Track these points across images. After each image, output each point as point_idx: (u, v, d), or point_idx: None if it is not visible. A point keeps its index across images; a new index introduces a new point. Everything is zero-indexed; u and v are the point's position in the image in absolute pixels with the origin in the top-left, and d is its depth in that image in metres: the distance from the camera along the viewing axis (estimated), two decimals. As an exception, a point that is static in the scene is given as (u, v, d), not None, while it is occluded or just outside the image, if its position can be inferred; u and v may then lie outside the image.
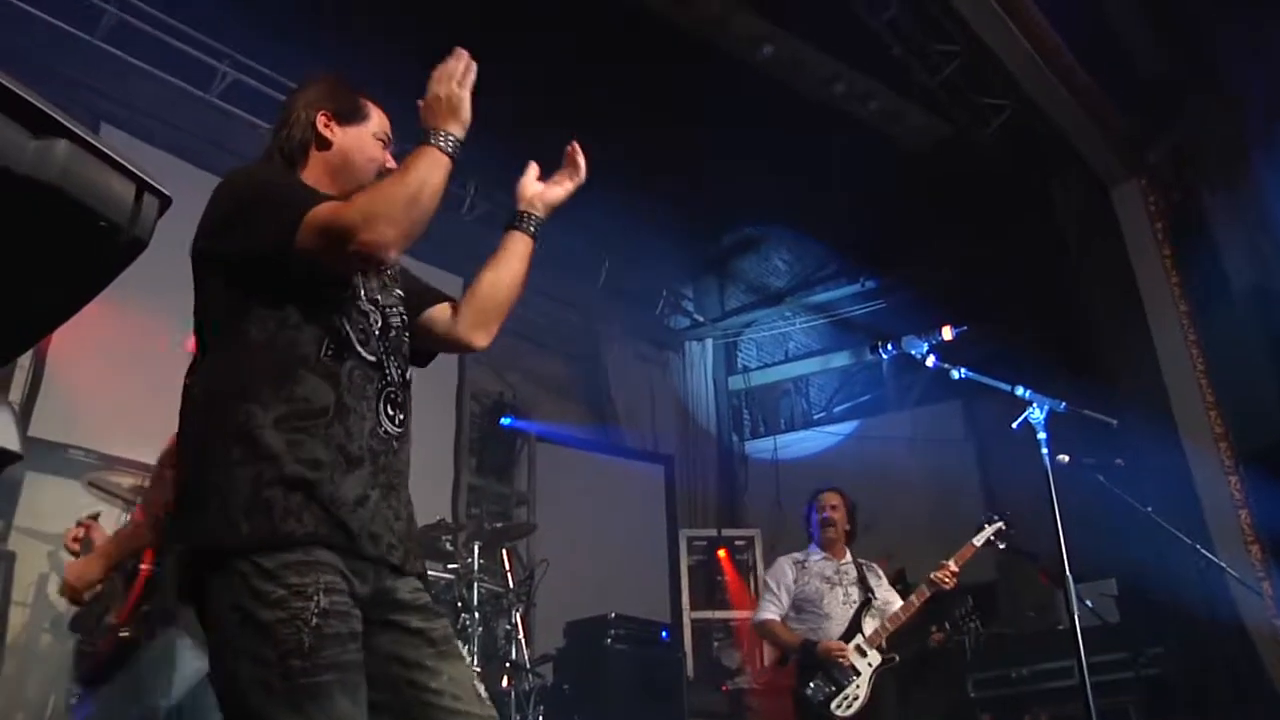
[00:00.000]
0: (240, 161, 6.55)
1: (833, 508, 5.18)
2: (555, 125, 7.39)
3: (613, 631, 6.34)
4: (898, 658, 4.78)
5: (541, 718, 5.49)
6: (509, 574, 5.80)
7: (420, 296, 2.30)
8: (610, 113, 7.33)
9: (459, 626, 5.17)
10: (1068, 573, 3.33)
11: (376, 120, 2.25)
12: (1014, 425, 3.51)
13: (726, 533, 8.87)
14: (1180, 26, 6.61)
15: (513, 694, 5.30)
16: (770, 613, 4.94)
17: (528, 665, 5.60)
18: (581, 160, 2.43)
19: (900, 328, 3.72)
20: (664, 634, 6.72)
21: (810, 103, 7.14)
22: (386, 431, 2.01)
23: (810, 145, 7.48)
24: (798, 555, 5.14)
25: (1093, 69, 6.44)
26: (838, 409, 9.93)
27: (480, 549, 5.46)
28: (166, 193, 1.31)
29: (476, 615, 5.15)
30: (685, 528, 8.85)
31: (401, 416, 2.07)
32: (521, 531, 6.64)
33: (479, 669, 4.98)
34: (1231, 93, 6.46)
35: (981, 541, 4.89)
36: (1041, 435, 3.46)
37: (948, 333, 3.54)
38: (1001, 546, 5.00)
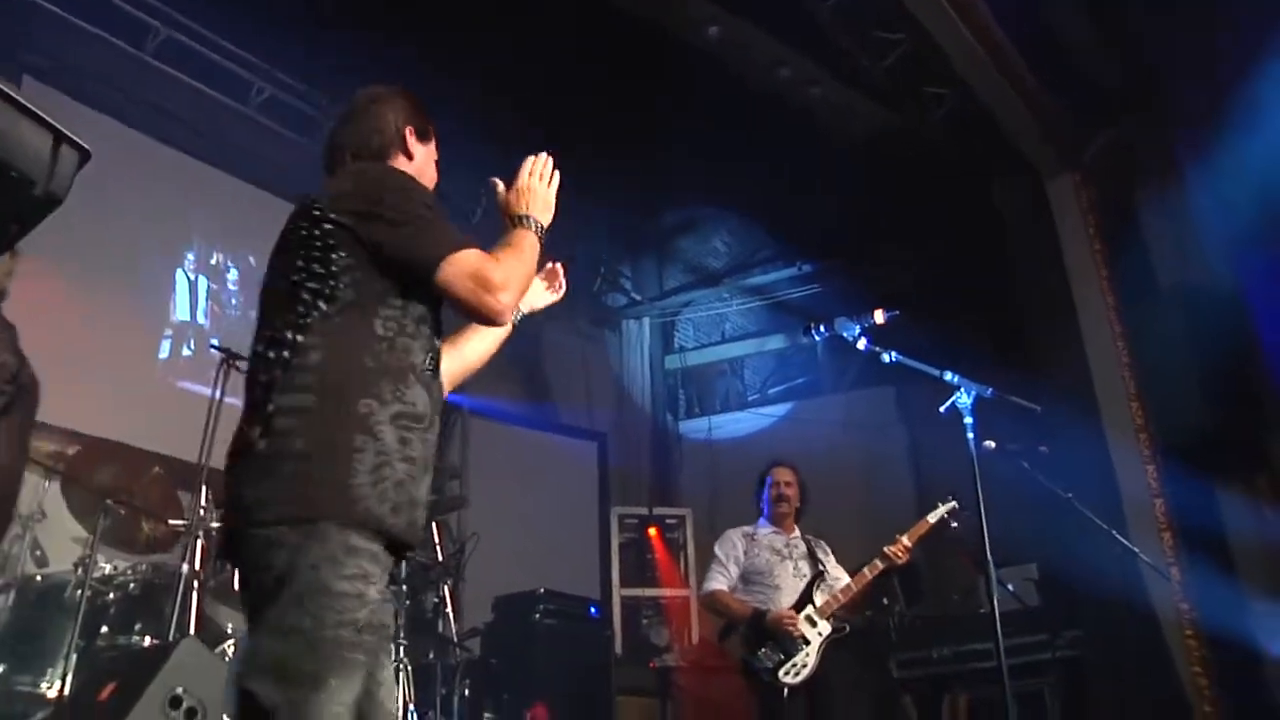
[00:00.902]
0: (166, 121, 6.56)
1: (786, 484, 5.20)
2: (500, 100, 7.42)
3: (541, 607, 6.37)
4: (849, 628, 4.82)
5: (468, 691, 5.49)
6: (438, 547, 5.76)
7: None
8: (556, 88, 7.29)
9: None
10: (989, 557, 3.38)
11: (435, 143, 2.57)
12: (941, 409, 3.53)
13: (658, 511, 8.90)
14: (1124, 34, 6.69)
15: (439, 667, 5.28)
16: (719, 583, 4.94)
17: (455, 639, 5.58)
18: (562, 281, 2.77)
19: (836, 312, 3.76)
20: (593, 610, 6.75)
21: (756, 87, 7.13)
22: (435, 446, 2.20)
23: (754, 130, 7.48)
24: (747, 528, 5.13)
25: (1036, 66, 6.49)
26: (772, 391, 9.99)
27: (410, 521, 5.37)
28: (85, 147, 1.27)
29: (405, 588, 5.11)
30: (617, 505, 8.88)
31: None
32: (452, 505, 6.60)
33: (405, 641, 4.96)
34: (1168, 100, 6.56)
35: (935, 519, 4.95)
36: (968, 420, 3.51)
37: (880, 316, 3.57)
38: (954, 525, 5.05)
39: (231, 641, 4.27)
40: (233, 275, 7.10)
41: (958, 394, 3.51)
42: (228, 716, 2.19)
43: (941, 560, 7.29)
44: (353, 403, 2.03)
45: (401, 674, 4.84)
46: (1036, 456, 4.47)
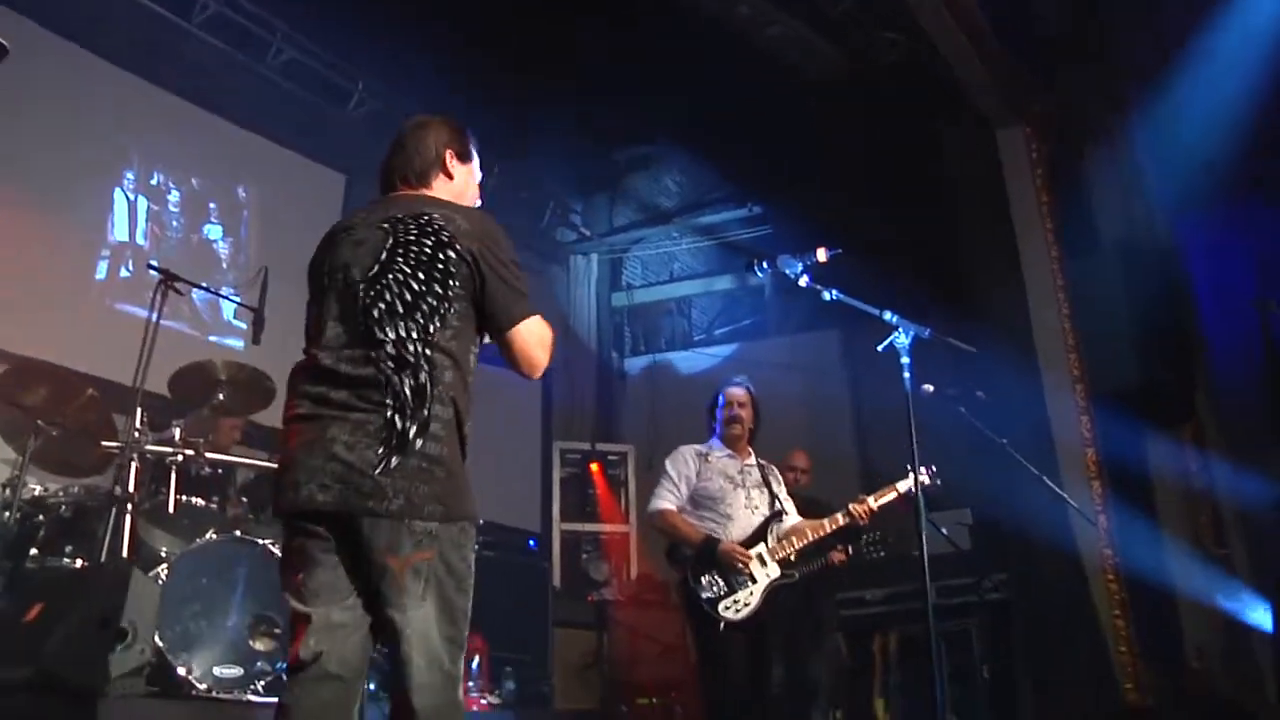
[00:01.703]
0: (103, 34, 6.31)
1: (740, 404, 4.97)
2: (451, 29, 7.25)
3: (480, 539, 6.27)
4: (798, 576, 4.72)
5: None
6: (378, 477, 5.69)
7: None
8: (513, 21, 7.17)
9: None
10: (920, 500, 3.42)
11: (477, 162, 2.84)
12: (879, 348, 3.55)
13: (600, 447, 8.92)
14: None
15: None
16: (668, 502, 4.72)
17: (392, 568, 5.53)
18: None
19: (784, 254, 3.72)
20: (531, 543, 6.78)
21: (714, 26, 7.05)
22: None
23: (710, 69, 7.41)
24: (700, 447, 4.89)
25: (991, 19, 6.46)
26: (718, 331, 10.01)
27: (347, 450, 5.30)
28: (3, 43, 1.21)
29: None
30: (559, 440, 8.87)
31: None
32: (393, 435, 6.53)
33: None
34: (1118, 56, 6.58)
35: (905, 488, 4.80)
36: (905, 360, 3.51)
37: (822, 254, 3.54)
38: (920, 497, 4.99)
39: (164, 565, 4.21)
40: (174, 197, 6.92)
41: (896, 334, 3.50)
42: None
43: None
44: (464, 423, 2.46)
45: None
46: (974, 402, 4.52)
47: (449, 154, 2.75)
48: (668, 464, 4.86)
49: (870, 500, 4.78)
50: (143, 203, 6.70)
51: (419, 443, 2.33)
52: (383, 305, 2.44)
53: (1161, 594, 5.90)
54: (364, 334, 2.42)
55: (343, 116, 7.46)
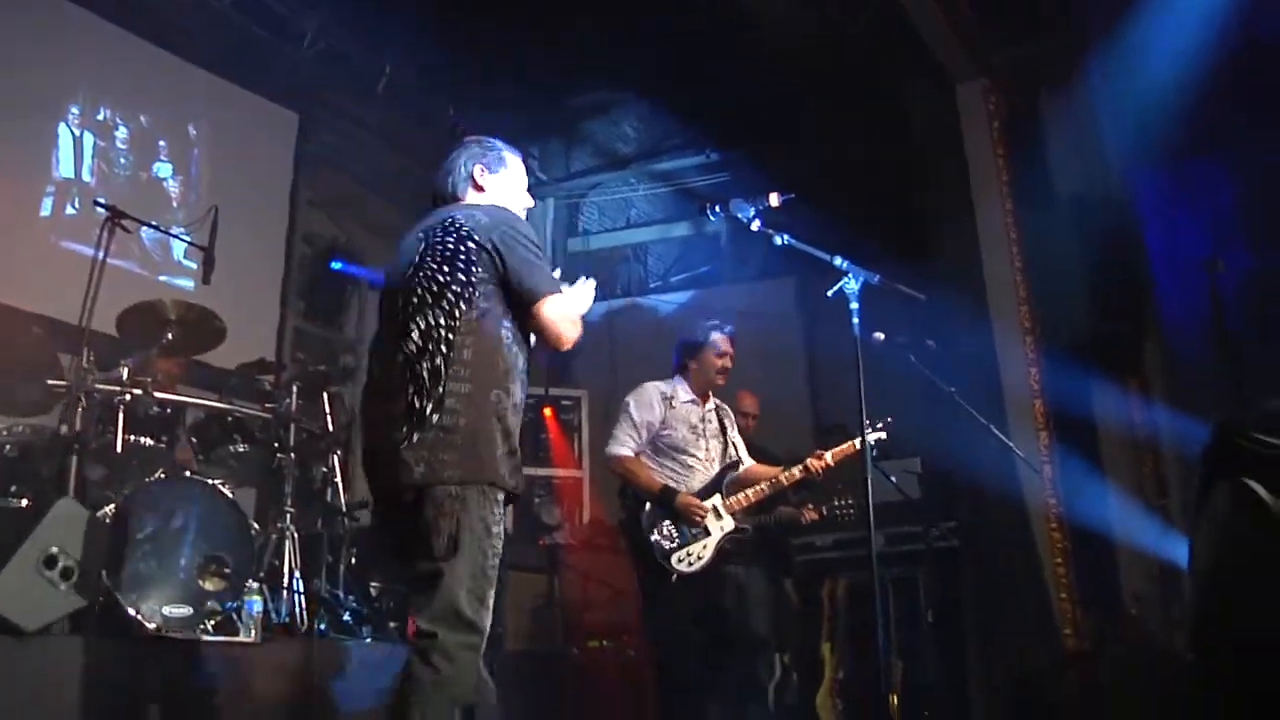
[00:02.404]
0: None
1: (730, 354, 4.90)
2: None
3: None
4: (750, 529, 4.76)
5: (354, 560, 5.48)
6: (330, 417, 5.69)
7: None
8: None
9: (274, 467, 5.08)
10: (868, 448, 3.45)
11: (514, 168, 3.23)
12: (829, 293, 3.56)
13: (554, 392, 8.87)
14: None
15: (326, 537, 5.26)
16: (627, 448, 4.66)
17: (344, 509, 5.55)
18: None
19: (738, 198, 3.70)
20: (485, 487, 6.72)
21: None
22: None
23: (669, 15, 7.32)
24: (664, 387, 4.81)
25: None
26: (675, 278, 9.99)
27: (301, 391, 5.30)
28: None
29: (293, 456, 5.05)
30: None
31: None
32: (344, 376, 6.52)
33: (292, 510, 4.94)
34: (1081, 12, 6.56)
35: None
36: (854, 306, 3.53)
37: (775, 199, 3.54)
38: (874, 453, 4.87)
39: (112, 505, 4.17)
40: (122, 134, 6.78)
41: (846, 279, 3.52)
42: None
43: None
44: (493, 391, 2.76)
45: (288, 542, 4.83)
46: (924, 351, 4.58)
47: (478, 169, 3.13)
48: (631, 406, 4.75)
49: (827, 455, 4.80)
50: (89, 139, 6.55)
51: (435, 417, 2.69)
52: (415, 299, 2.81)
53: (1102, 543, 6.01)
54: (398, 330, 2.79)
55: (296, 55, 7.30)
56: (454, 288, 2.78)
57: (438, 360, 2.72)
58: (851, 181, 7.97)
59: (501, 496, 2.75)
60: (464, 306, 2.77)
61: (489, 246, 2.83)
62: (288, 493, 4.97)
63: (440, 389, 2.70)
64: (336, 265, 7.74)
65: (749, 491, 4.72)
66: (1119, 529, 5.98)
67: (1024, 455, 5.33)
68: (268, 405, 5.18)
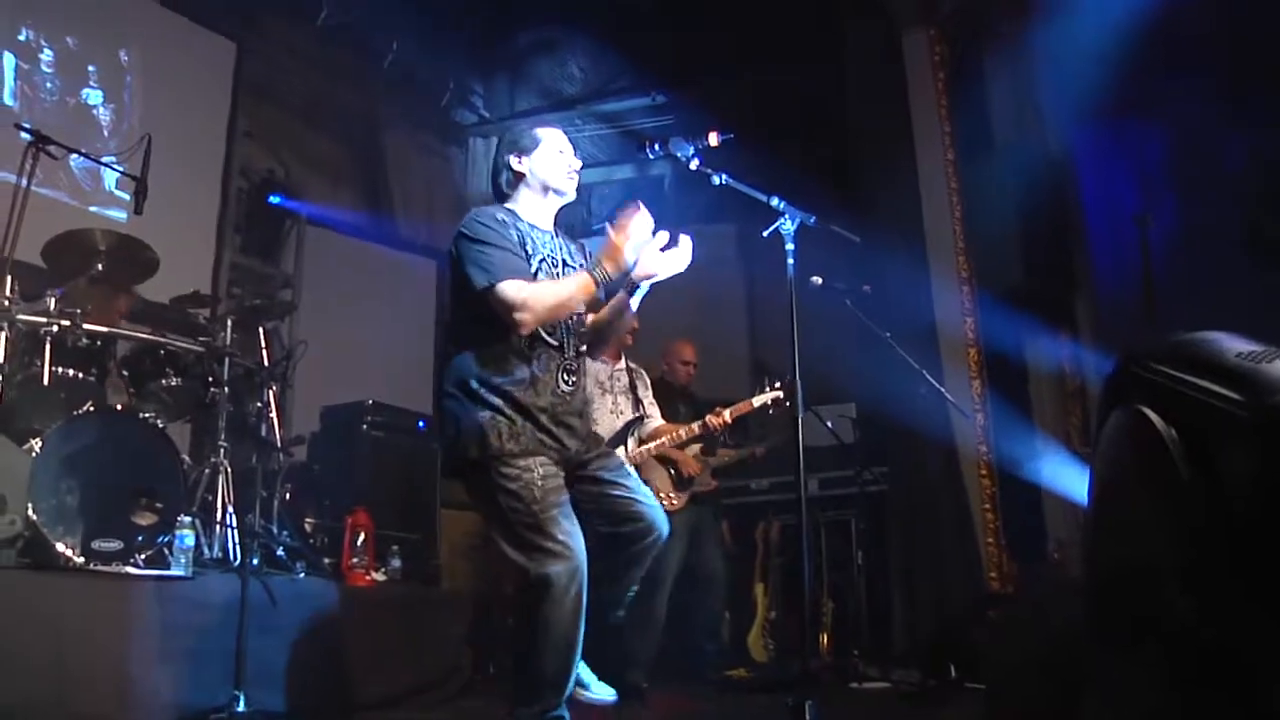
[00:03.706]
0: None
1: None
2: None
3: (369, 418, 6.33)
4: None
5: (289, 495, 5.45)
6: (265, 352, 5.62)
7: None
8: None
9: (208, 400, 5.01)
10: (799, 392, 3.47)
11: (548, 141, 3.35)
12: (764, 234, 3.57)
13: None
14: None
15: (260, 472, 5.21)
16: None
17: (278, 444, 5.51)
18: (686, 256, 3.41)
19: (677, 137, 3.66)
20: (420, 424, 6.75)
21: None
22: (561, 390, 3.19)
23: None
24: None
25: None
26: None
27: (236, 325, 5.22)
28: None
29: (226, 390, 4.97)
30: None
31: (574, 379, 3.26)
32: (281, 310, 6.42)
33: (226, 444, 4.89)
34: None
35: (759, 404, 5.03)
36: (789, 247, 3.53)
37: (714, 139, 3.53)
38: (771, 413, 5.16)
39: (38, 440, 4.08)
40: (47, 56, 6.48)
41: (782, 220, 3.52)
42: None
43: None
44: (486, 381, 3.10)
45: (221, 476, 4.80)
46: (860, 296, 4.67)
47: (511, 158, 3.32)
48: None
49: (726, 413, 5.02)
50: (10, 60, 6.28)
51: (441, 408, 3.18)
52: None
53: (1029, 490, 6.14)
54: None
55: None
56: (451, 297, 3.30)
57: (445, 361, 3.32)
58: (793, 125, 7.97)
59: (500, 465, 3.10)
60: (458, 312, 3.32)
61: (452, 253, 3.18)
62: (221, 427, 4.92)
63: (443, 385, 3.22)
64: (274, 199, 7.57)
65: (650, 445, 5.05)
66: (1046, 476, 6.10)
67: (957, 402, 5.42)
68: (201, 339, 5.09)
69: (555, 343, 3.20)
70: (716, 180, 3.53)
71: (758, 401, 5.03)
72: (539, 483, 3.00)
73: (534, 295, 3.05)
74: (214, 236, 7.06)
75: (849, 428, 6.79)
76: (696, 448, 5.41)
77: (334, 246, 8.05)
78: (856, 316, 4.80)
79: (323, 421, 6.60)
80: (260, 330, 5.64)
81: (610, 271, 3.13)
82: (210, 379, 5.01)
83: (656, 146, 3.55)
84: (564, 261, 3.30)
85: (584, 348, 3.34)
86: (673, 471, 5.28)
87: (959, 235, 6.66)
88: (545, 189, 3.32)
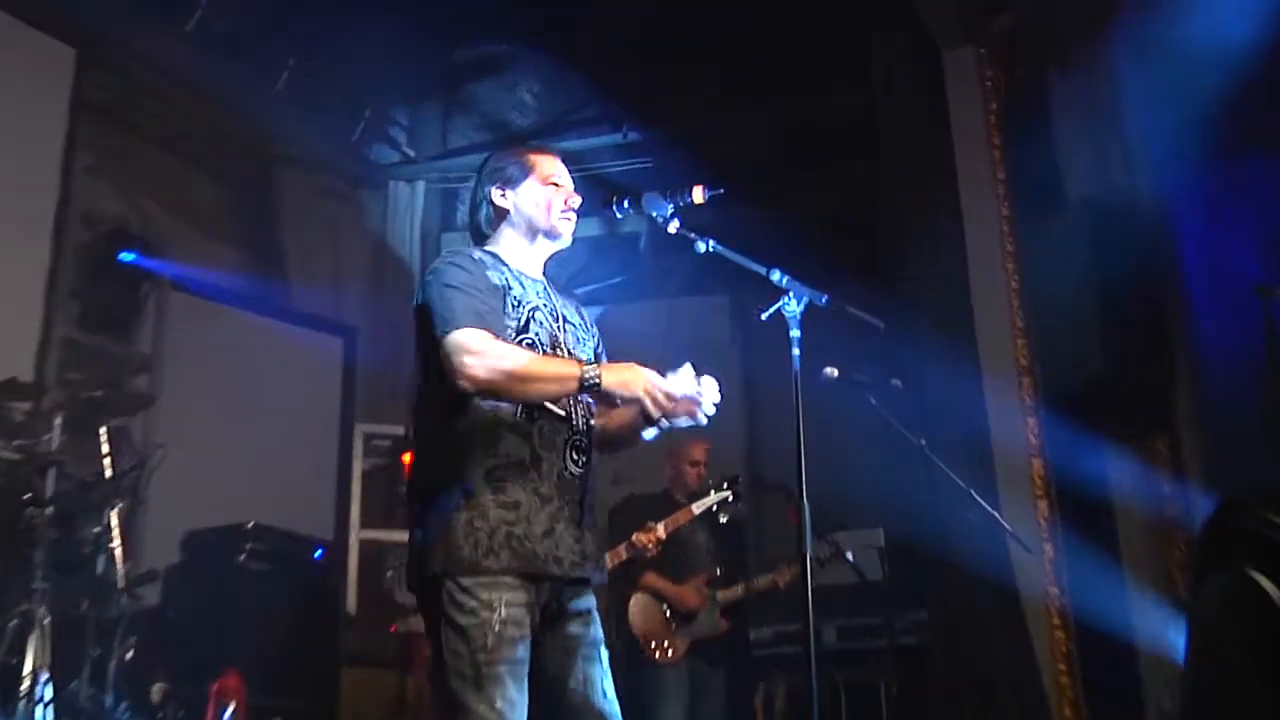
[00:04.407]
0: None
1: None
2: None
3: (249, 546, 6.26)
4: None
5: (132, 653, 5.30)
6: (108, 460, 5.53)
7: None
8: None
9: (22, 526, 4.89)
10: (806, 517, 3.38)
11: (541, 169, 3.36)
12: (763, 315, 3.51)
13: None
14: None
15: (93, 620, 5.08)
16: None
17: (122, 582, 5.41)
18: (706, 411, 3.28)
19: (652, 191, 3.59)
20: (319, 553, 6.68)
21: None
22: (569, 473, 3.17)
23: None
24: None
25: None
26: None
27: (69, 424, 5.15)
28: None
29: (50, 511, 4.85)
30: (364, 422, 8.79)
31: (585, 459, 3.24)
32: (134, 405, 6.35)
33: (42, 586, 4.77)
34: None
35: (701, 509, 5.22)
36: (795, 333, 3.46)
37: (699, 194, 3.45)
38: (723, 520, 5.38)
39: None
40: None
41: (785, 299, 3.43)
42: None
43: (768, 519, 7.45)
44: (453, 476, 3.08)
45: (35, 631, 4.67)
46: (889, 392, 4.60)
47: (493, 190, 3.34)
48: None
49: (659, 528, 5.18)
50: None
51: (410, 509, 3.22)
52: None
53: (1119, 645, 5.98)
54: None
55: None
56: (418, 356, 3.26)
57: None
58: (803, 173, 8.07)
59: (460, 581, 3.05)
60: (422, 376, 3.28)
61: (418, 303, 3.20)
62: (39, 562, 4.81)
63: (411, 481, 3.42)
64: (127, 256, 7.49)
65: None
66: (1141, 628, 5.97)
67: (1016, 531, 5.34)
68: (18, 443, 5.00)
69: (562, 411, 3.19)
70: (702, 247, 3.44)
71: (699, 507, 5.18)
72: (496, 627, 2.95)
73: (497, 351, 3.03)
74: (40, 304, 6.92)
75: (875, 561, 6.71)
76: (700, 578, 5.48)
77: (207, 319, 8.01)
78: (884, 418, 4.73)
79: (185, 551, 6.48)
80: (103, 430, 5.55)
81: (609, 387, 3.08)
82: (28, 496, 4.90)
83: (625, 203, 3.47)
84: (564, 317, 3.37)
85: (594, 422, 3.32)
86: (668, 610, 5.33)
87: (1017, 313, 6.65)
88: (533, 231, 3.36)
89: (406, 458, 8.47)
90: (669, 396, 3.11)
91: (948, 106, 7.03)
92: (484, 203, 3.35)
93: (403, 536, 8.17)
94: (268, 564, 6.33)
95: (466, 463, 3.05)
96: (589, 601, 3.22)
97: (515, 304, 3.20)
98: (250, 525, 6.34)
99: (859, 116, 7.48)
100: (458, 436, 3.09)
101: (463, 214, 9.83)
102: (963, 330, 6.57)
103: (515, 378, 3.02)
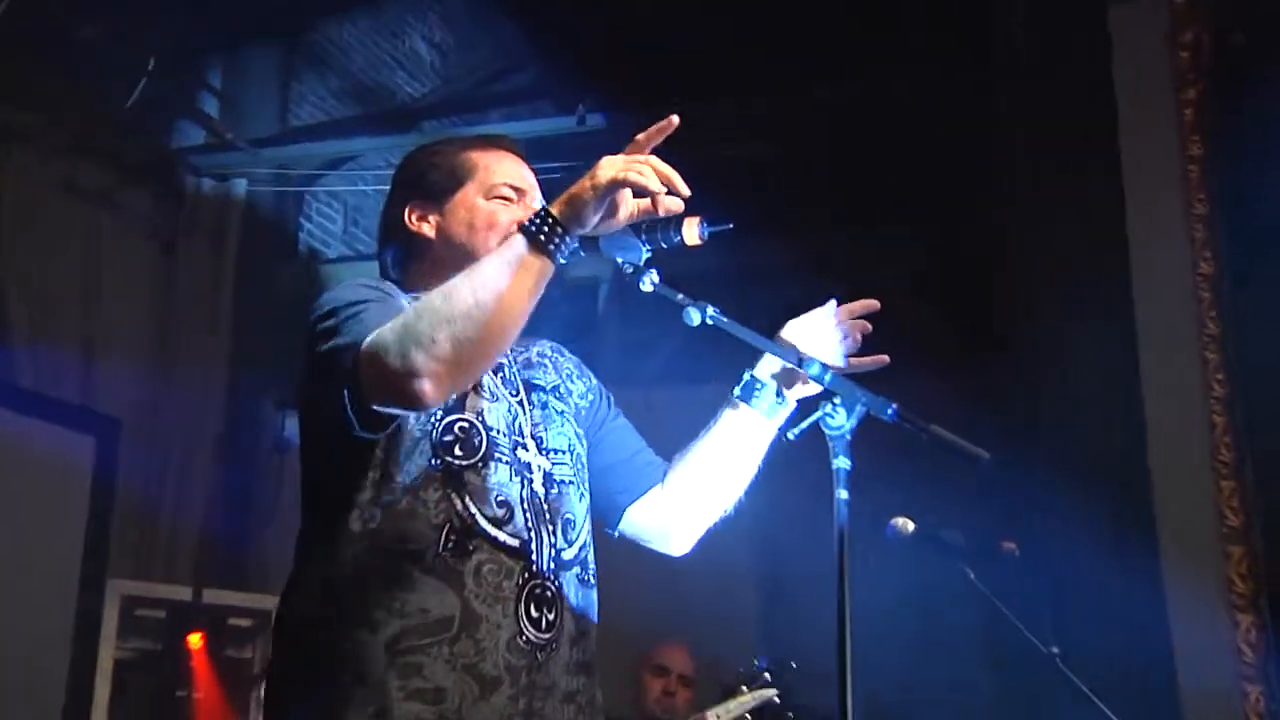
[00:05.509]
0: None
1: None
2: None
3: None
4: None
5: None
6: None
7: (615, 453, 3.59)
8: None
9: None
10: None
11: (484, 171, 3.35)
12: (790, 435, 3.28)
13: (215, 597, 8.77)
14: None
15: None
16: None
17: None
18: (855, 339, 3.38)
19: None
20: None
21: None
22: (526, 641, 3.02)
23: None
24: None
25: None
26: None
27: None
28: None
29: None
30: (122, 578, 8.64)
31: (552, 616, 3.11)
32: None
33: None
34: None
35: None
36: (841, 463, 3.04)
37: (693, 231, 3.16)
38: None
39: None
40: None
41: (826, 406, 3.10)
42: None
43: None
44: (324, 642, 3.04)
45: None
46: (997, 562, 4.46)
47: (411, 214, 3.35)
48: None
49: None
50: None
51: (268, 682, 3.24)
52: None
53: None
54: None
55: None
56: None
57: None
58: (859, 197, 8.09)
59: None
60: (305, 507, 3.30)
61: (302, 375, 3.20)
62: None
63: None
64: None
65: None
66: None
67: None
68: None
69: (513, 540, 3.11)
70: (697, 318, 3.23)
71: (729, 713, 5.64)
72: None
73: (411, 319, 2.81)
74: None
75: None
76: None
77: None
78: (989, 602, 4.75)
79: None
80: None
81: (568, 215, 2.85)
82: None
83: (574, 242, 3.21)
84: (526, 385, 3.37)
85: (581, 548, 3.30)
86: None
87: (1221, 435, 6.59)
88: (461, 267, 3.06)
89: (195, 641, 8.61)
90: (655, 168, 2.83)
91: (1114, 90, 7.00)
92: (395, 230, 3.37)
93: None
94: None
95: (358, 625, 2.91)
96: None
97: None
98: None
99: (949, 108, 7.64)
100: (344, 582, 2.97)
101: (321, 237, 10.17)
102: (1127, 460, 6.49)
103: (459, 317, 2.76)
